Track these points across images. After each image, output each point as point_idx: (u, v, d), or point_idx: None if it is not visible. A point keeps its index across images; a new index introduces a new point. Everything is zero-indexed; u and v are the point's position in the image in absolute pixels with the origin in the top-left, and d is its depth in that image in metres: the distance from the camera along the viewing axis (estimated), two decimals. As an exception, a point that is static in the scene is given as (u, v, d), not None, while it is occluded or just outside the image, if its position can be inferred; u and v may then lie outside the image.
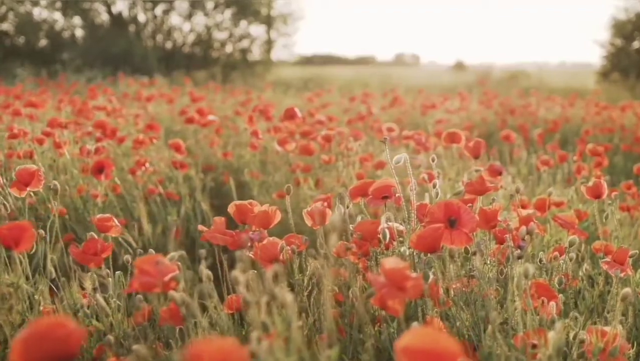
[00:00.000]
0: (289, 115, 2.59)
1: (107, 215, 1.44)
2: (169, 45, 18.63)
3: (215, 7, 18.84)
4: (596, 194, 1.77)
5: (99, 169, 2.51)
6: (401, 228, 1.41)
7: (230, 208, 1.49)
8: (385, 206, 1.55)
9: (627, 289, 1.10)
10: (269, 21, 19.52)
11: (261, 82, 13.57)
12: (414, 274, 0.97)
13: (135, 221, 2.69)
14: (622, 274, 1.33)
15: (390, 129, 3.75)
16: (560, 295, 1.52)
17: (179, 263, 1.19)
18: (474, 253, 1.26)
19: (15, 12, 17.27)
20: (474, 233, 1.37)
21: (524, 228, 1.26)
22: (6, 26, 17.45)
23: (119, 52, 16.09)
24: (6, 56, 16.15)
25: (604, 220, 1.85)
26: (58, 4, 17.47)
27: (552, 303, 1.20)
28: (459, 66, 31.62)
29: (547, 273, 1.51)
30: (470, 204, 1.46)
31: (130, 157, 3.23)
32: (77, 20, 17.81)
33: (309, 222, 1.51)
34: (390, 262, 0.96)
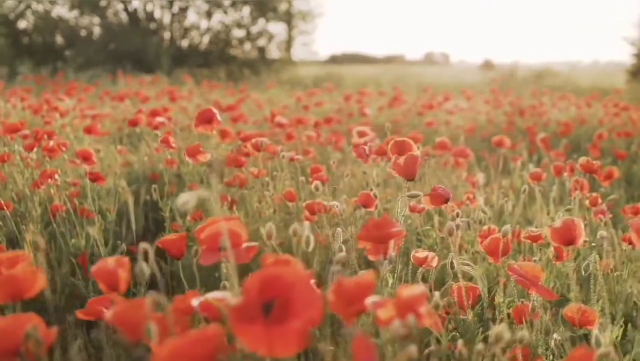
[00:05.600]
0: (205, 119, 2.07)
1: None
2: (185, 43, 18.33)
3: (233, 4, 18.47)
4: (566, 239, 1.19)
5: (-32, 185, 2.04)
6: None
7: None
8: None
9: None
10: (288, 19, 19.12)
11: (273, 81, 13.05)
12: None
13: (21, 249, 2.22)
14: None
15: (362, 133, 3.19)
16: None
17: None
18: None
19: (33, 10, 17.14)
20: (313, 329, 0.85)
21: (396, 323, 0.73)
22: (24, 24, 17.36)
23: (132, 50, 15.81)
24: (20, 54, 16.02)
25: (582, 272, 1.29)
26: (75, 2, 17.27)
27: None
28: (487, 65, 30.84)
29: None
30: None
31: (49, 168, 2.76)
32: (94, 18, 17.61)
33: (102, 287, 1.00)
34: None
